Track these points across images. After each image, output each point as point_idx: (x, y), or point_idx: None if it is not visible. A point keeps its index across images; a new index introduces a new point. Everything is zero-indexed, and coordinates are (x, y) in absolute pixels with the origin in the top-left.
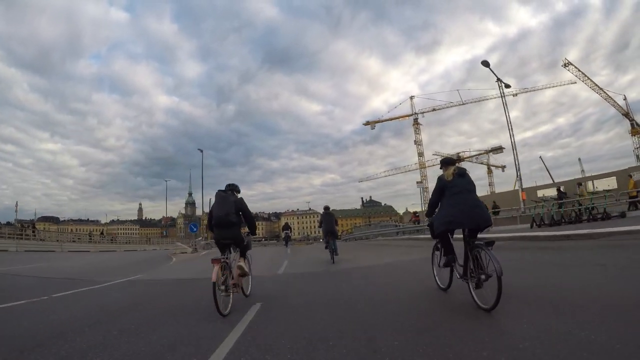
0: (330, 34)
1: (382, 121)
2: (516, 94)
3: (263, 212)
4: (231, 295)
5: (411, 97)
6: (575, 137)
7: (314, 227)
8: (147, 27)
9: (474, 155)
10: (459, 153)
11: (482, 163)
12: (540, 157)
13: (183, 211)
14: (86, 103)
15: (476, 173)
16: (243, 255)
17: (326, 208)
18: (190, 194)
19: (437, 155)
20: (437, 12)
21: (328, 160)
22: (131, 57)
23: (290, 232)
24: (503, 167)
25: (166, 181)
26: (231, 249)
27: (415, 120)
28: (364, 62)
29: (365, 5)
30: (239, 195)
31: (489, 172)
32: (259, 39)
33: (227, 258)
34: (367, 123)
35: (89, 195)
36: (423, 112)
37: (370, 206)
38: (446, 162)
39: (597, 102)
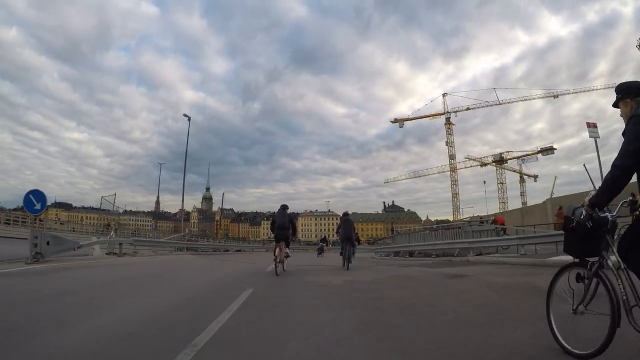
0: (359, 36)
1: (411, 119)
2: (557, 96)
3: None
4: (282, 265)
5: (444, 95)
6: (602, 152)
7: (333, 229)
8: (176, 21)
9: (521, 157)
10: (501, 153)
11: (514, 171)
12: (584, 165)
13: (200, 206)
14: (113, 94)
15: (508, 180)
16: (287, 246)
17: (345, 214)
18: (207, 189)
19: (469, 159)
20: (467, 18)
21: (350, 163)
22: (159, 51)
23: (326, 245)
24: (535, 177)
25: (183, 176)
26: (282, 242)
27: (448, 119)
28: (391, 66)
29: (395, 9)
30: (289, 211)
31: (522, 180)
32: (287, 38)
33: (282, 245)
34: (396, 120)
35: (112, 185)
36: (456, 112)
37: (393, 211)
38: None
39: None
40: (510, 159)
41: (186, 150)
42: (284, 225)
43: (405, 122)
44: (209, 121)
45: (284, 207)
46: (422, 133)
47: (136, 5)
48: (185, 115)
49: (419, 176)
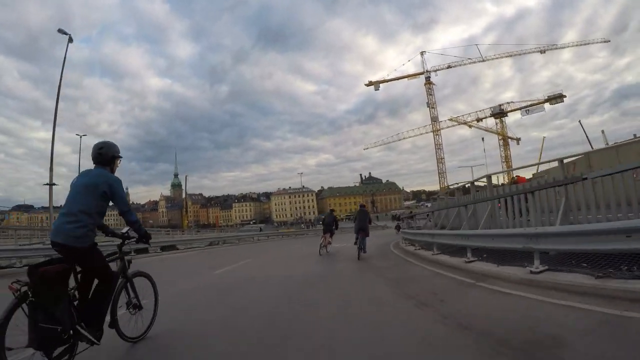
0: (326, 11)
1: (387, 81)
2: (544, 51)
3: (252, 192)
4: (325, 248)
5: (422, 53)
6: (570, 118)
7: (310, 207)
8: (137, 6)
9: (525, 107)
10: (501, 105)
11: (497, 133)
12: (579, 121)
13: (169, 193)
14: (77, 88)
15: (492, 140)
16: (331, 235)
17: (362, 205)
18: (176, 176)
19: (454, 120)
20: None
21: (322, 140)
22: (122, 39)
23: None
24: (518, 140)
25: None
26: (328, 233)
27: (428, 79)
28: (360, 40)
29: None
30: (334, 213)
31: (505, 143)
32: (253, 17)
33: (327, 235)
34: (370, 83)
35: None
36: (437, 70)
37: (370, 183)
38: None
39: (593, 84)
40: (511, 110)
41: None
42: (330, 223)
43: (376, 96)
44: (177, 107)
45: (332, 211)
46: (393, 105)
47: None
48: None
49: (401, 139)
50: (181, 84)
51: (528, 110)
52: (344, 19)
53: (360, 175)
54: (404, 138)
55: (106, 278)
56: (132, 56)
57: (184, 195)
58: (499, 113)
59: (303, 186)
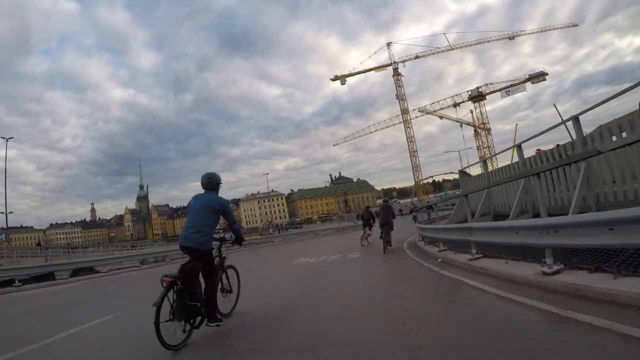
0: (289, 15)
1: (353, 74)
2: (513, 38)
3: None
4: (367, 240)
5: (388, 44)
6: (533, 109)
7: (280, 211)
8: (97, 16)
9: (505, 88)
10: (479, 87)
11: (469, 124)
12: (555, 104)
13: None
14: (39, 103)
15: (459, 135)
16: (370, 229)
17: (385, 200)
18: (141, 187)
19: (424, 111)
20: None
21: (290, 144)
22: (82, 50)
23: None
24: (489, 130)
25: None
26: (367, 227)
27: (395, 70)
28: (322, 42)
29: None
30: (370, 209)
31: (476, 134)
32: (215, 24)
33: (367, 229)
34: (336, 78)
35: (49, 200)
36: (404, 61)
37: (341, 183)
38: None
39: (553, 75)
40: (490, 93)
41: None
42: (368, 218)
43: (342, 97)
44: (142, 118)
45: (368, 207)
46: (359, 106)
47: (54, 3)
48: None
49: (372, 132)
50: (145, 94)
51: (509, 91)
52: (307, 21)
53: (330, 175)
54: (375, 130)
55: (215, 271)
56: (94, 67)
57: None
58: (478, 96)
59: (272, 190)
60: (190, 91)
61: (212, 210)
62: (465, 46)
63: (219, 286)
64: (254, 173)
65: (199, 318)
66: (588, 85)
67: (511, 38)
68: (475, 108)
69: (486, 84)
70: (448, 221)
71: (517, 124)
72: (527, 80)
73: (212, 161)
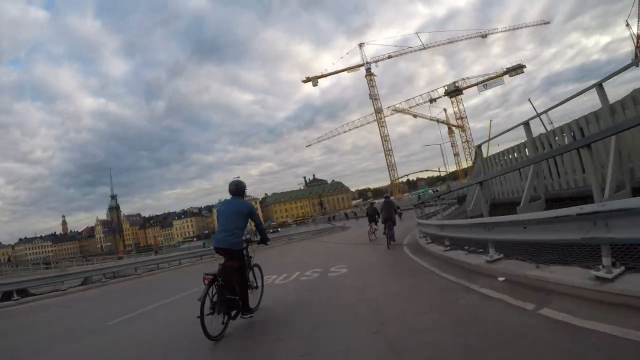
0: (261, 22)
1: (325, 75)
2: (485, 36)
3: (193, 207)
4: (374, 235)
5: (360, 45)
6: (504, 107)
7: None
8: (68, 24)
9: (483, 82)
10: (455, 82)
11: (443, 122)
12: (529, 99)
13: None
14: (8, 114)
15: (432, 134)
16: (376, 223)
17: (386, 196)
18: (113, 197)
19: (397, 110)
20: None
21: (263, 149)
22: (52, 59)
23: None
24: (462, 127)
25: None
26: (373, 222)
27: (368, 70)
28: (295, 48)
29: None
30: (374, 205)
31: (450, 132)
32: (187, 30)
33: (372, 224)
34: (308, 79)
35: (21, 214)
36: (377, 61)
37: (316, 185)
38: None
39: (524, 74)
40: (467, 87)
41: None
42: (372, 213)
43: (314, 101)
44: (113, 127)
45: (372, 203)
46: (331, 109)
47: (24, 12)
48: None
49: (345, 131)
50: (116, 103)
51: (486, 84)
52: (279, 28)
53: (305, 178)
54: (349, 130)
55: (245, 269)
56: (64, 76)
57: (122, 217)
58: (454, 91)
59: (246, 195)
60: (162, 98)
61: (242, 214)
62: (439, 45)
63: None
64: (228, 179)
65: (234, 311)
66: (557, 83)
67: (484, 36)
68: (452, 103)
69: (463, 79)
70: (467, 214)
71: (491, 120)
72: (505, 73)
73: (185, 169)
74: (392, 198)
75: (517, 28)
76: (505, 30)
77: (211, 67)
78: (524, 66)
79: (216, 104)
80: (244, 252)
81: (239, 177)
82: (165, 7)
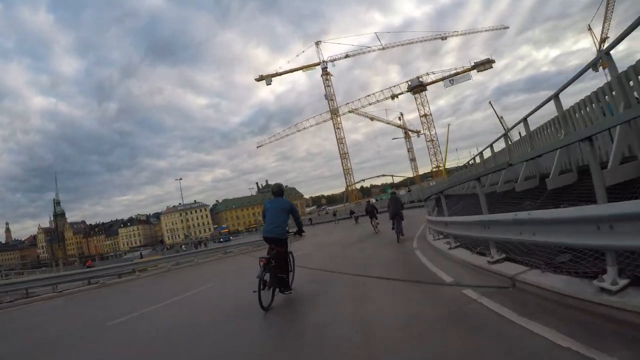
0: (218, 24)
1: (280, 74)
2: (445, 38)
3: (140, 214)
4: (377, 229)
5: (317, 43)
6: (455, 116)
7: (205, 224)
8: (19, 18)
9: (449, 77)
10: (419, 77)
11: (399, 126)
12: (490, 102)
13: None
14: None
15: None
16: (375, 218)
17: (393, 192)
18: (58, 204)
19: (354, 112)
20: (326, 2)
21: (217, 154)
22: (1, 53)
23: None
24: (418, 133)
25: None
26: (373, 218)
27: (324, 69)
28: (251, 51)
29: None
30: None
31: (407, 137)
32: (142, 30)
33: (373, 220)
34: (261, 77)
35: None
36: (334, 60)
37: (268, 191)
38: None
39: (475, 84)
40: (430, 83)
41: None
42: (371, 210)
43: (269, 107)
44: (63, 128)
45: (369, 201)
46: (286, 115)
47: None
48: None
49: (299, 130)
50: (67, 102)
51: (452, 80)
52: (236, 31)
53: (257, 184)
54: (304, 128)
55: (287, 255)
56: (12, 73)
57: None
58: (418, 86)
59: (195, 201)
60: (114, 100)
61: (285, 210)
62: (397, 45)
63: None
64: (181, 185)
65: (280, 287)
66: (507, 93)
67: (443, 38)
68: (415, 99)
69: (427, 73)
70: None
71: (449, 124)
72: (473, 68)
73: (137, 174)
74: (346, 204)
75: (477, 32)
76: (465, 34)
77: (165, 68)
78: (492, 61)
79: (169, 107)
80: (287, 241)
81: (279, 183)
82: (121, 4)
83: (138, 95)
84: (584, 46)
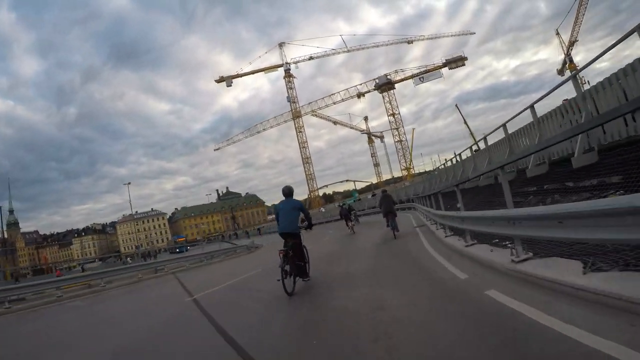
0: (182, 28)
1: (240, 75)
2: (411, 42)
3: (96, 223)
4: (352, 230)
5: (280, 44)
6: (417, 123)
7: (163, 233)
8: None
9: (419, 74)
10: (387, 74)
11: (363, 131)
12: (457, 105)
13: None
14: None
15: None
16: (350, 220)
17: (384, 190)
18: (11, 212)
19: (316, 114)
20: (292, 10)
21: (178, 162)
22: None
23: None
24: (382, 137)
25: None
26: (348, 220)
27: (287, 71)
28: (215, 57)
29: (221, 0)
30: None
31: (370, 141)
32: (105, 32)
33: (349, 221)
34: (222, 79)
35: None
36: (297, 62)
37: (229, 198)
38: None
39: (436, 92)
40: (400, 80)
41: None
42: (346, 213)
43: (232, 114)
44: (21, 133)
45: (342, 205)
46: (249, 122)
47: None
48: None
49: (258, 132)
50: (25, 106)
51: (422, 77)
52: (200, 36)
53: (217, 191)
54: (263, 130)
55: (301, 246)
56: None
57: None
58: (386, 84)
59: (152, 209)
60: (74, 104)
61: (296, 208)
62: (363, 49)
63: None
64: (142, 194)
65: (300, 275)
66: (468, 102)
67: (409, 42)
68: (383, 98)
69: (396, 70)
70: None
71: (414, 128)
72: (444, 65)
73: (96, 182)
74: (323, 209)
75: (444, 36)
76: (432, 38)
77: (128, 72)
78: (465, 58)
79: (131, 113)
80: (300, 234)
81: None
82: (85, 5)
83: (99, 100)
84: (543, 57)
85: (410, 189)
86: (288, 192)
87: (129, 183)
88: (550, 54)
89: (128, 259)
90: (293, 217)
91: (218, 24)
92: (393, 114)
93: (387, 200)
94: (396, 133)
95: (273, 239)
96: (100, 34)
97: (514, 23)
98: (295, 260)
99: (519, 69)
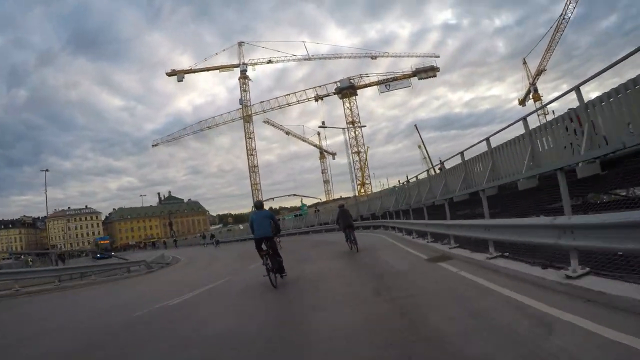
0: (147, 23)
1: (193, 71)
2: (375, 57)
3: (26, 216)
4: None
5: (240, 44)
6: (371, 144)
7: (96, 233)
8: None
9: (385, 81)
10: (350, 78)
11: (315, 146)
12: (415, 125)
13: None
14: None
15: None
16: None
17: (341, 205)
18: None
19: (268, 122)
20: (259, 19)
21: (126, 161)
22: None
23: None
24: (334, 154)
25: None
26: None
27: (243, 72)
28: (176, 58)
29: (189, 0)
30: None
31: (322, 157)
32: (68, 15)
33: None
34: (173, 72)
35: None
36: (255, 64)
37: (170, 203)
38: None
39: (390, 117)
40: (364, 86)
41: None
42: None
43: (185, 118)
44: None
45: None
46: (201, 127)
47: None
48: None
49: (209, 127)
50: None
51: (389, 85)
52: (164, 34)
53: (159, 194)
54: (208, 127)
55: (276, 248)
56: None
57: None
58: (348, 88)
59: (86, 206)
60: (26, 87)
61: (267, 217)
62: (324, 58)
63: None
64: (84, 191)
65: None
66: (421, 129)
67: (373, 57)
68: (343, 104)
69: (360, 75)
70: None
71: (368, 147)
72: (414, 74)
73: (39, 172)
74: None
75: (409, 56)
76: (396, 56)
77: (85, 61)
78: (437, 69)
79: (83, 104)
80: (274, 237)
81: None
82: None
83: (52, 86)
84: (496, 93)
85: (376, 203)
86: (259, 204)
87: (47, 170)
88: (503, 91)
89: (30, 260)
90: (266, 224)
91: (183, 24)
92: (353, 122)
93: (344, 215)
94: (354, 143)
95: (214, 252)
96: (63, 17)
97: (472, 58)
98: (274, 257)
99: (472, 102)
